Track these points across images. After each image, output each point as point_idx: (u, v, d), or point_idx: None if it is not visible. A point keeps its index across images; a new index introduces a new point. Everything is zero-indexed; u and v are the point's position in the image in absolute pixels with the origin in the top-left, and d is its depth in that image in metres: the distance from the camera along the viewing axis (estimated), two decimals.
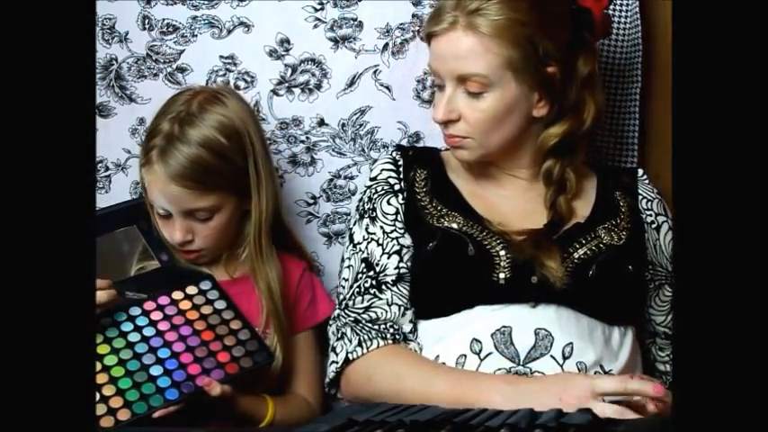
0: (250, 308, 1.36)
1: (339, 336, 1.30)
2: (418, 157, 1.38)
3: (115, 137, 1.52)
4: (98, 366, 1.23)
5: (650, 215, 1.37)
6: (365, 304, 1.30)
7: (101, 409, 1.18)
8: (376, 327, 1.28)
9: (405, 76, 1.50)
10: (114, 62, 1.51)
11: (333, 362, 1.30)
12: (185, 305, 1.32)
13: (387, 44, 1.53)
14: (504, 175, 1.35)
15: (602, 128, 1.57)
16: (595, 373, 1.21)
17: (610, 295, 1.26)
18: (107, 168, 1.53)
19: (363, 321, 1.29)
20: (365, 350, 1.26)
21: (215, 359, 1.26)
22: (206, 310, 1.32)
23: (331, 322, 1.34)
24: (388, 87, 1.54)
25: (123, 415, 1.19)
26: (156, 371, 1.24)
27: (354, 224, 1.36)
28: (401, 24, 1.52)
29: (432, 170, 1.36)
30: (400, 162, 1.37)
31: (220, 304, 1.33)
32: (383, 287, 1.30)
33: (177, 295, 1.33)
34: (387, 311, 1.29)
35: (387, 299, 1.30)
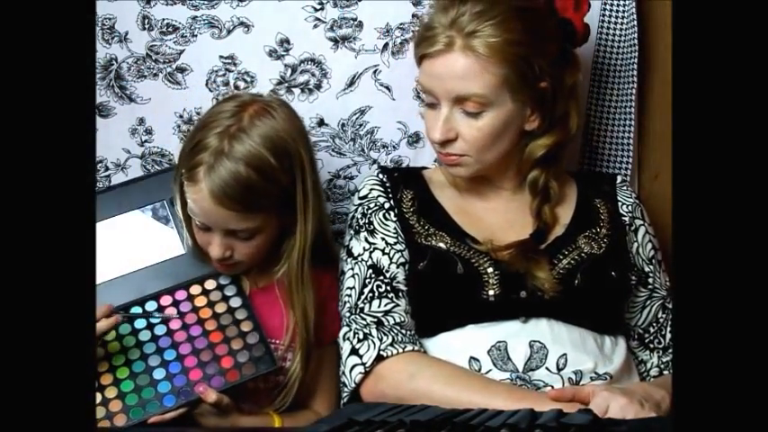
0: (272, 320, 1.33)
1: (361, 337, 1.25)
2: (403, 177, 1.39)
3: (115, 137, 1.52)
4: (105, 366, 1.23)
5: (629, 219, 1.38)
6: (385, 308, 1.28)
7: (100, 411, 1.18)
8: (403, 331, 1.26)
9: (405, 76, 1.50)
10: (114, 62, 1.51)
11: (357, 364, 1.24)
12: (200, 301, 1.32)
13: (387, 44, 1.53)
14: (489, 188, 1.36)
15: (599, 129, 1.57)
16: (591, 378, 1.22)
17: (597, 302, 1.28)
18: (107, 168, 1.53)
19: (388, 324, 1.26)
20: (401, 350, 1.23)
21: (218, 365, 1.25)
22: (220, 308, 1.31)
23: (345, 328, 1.29)
24: (387, 87, 1.54)
25: (119, 419, 1.19)
26: (158, 374, 1.24)
27: (350, 240, 1.35)
28: (401, 24, 1.52)
29: (417, 190, 1.37)
30: (387, 183, 1.37)
31: (235, 302, 1.32)
32: (399, 294, 1.29)
33: (195, 290, 1.33)
34: (406, 319, 1.28)
35: (404, 307, 1.29)
